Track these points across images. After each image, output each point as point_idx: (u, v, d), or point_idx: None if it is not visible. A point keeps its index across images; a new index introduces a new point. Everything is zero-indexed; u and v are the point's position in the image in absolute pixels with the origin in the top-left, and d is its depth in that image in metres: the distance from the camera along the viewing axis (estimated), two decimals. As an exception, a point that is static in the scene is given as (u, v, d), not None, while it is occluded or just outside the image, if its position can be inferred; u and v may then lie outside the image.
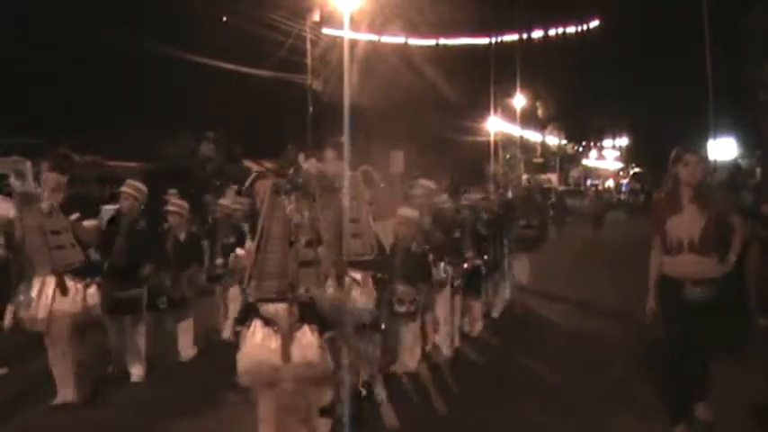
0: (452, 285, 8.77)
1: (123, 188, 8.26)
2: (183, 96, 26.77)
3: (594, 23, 48.88)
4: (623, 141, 79.65)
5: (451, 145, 41.11)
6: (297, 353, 5.07)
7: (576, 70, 51.35)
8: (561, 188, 40.53)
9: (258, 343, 5.11)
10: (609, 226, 29.65)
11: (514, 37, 46.08)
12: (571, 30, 48.29)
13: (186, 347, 8.96)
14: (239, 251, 5.71)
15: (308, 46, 29.33)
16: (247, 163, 27.10)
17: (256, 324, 5.16)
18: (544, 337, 10.26)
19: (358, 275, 6.13)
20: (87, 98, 26.07)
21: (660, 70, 48.33)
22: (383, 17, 32.73)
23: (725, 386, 6.44)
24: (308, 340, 5.12)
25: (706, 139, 30.61)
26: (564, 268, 16.34)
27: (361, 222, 5.83)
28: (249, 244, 5.36)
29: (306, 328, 5.14)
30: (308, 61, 29.38)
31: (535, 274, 13.70)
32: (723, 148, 32.68)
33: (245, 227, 5.95)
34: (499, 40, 44.82)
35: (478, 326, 10.15)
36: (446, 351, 8.67)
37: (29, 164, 15.35)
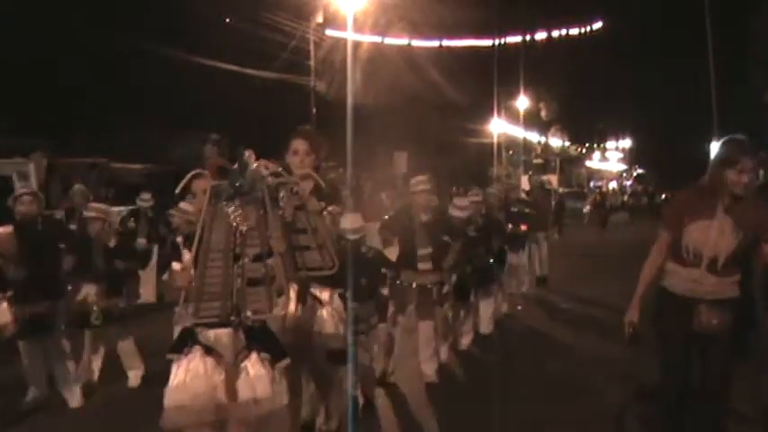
0: (436, 297, 7.85)
1: (87, 213, 7.66)
2: (187, 98, 26.79)
3: (598, 25, 48.88)
4: (626, 143, 79.56)
5: (455, 146, 41.13)
6: (244, 388, 4.26)
7: (579, 72, 51.34)
8: (561, 190, 40.43)
9: (197, 374, 4.26)
10: (612, 228, 29.62)
11: (518, 38, 46.05)
12: (574, 31, 48.28)
13: (132, 368, 7.83)
14: (175, 266, 4.58)
15: (312, 47, 29.36)
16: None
17: (195, 353, 4.32)
18: (538, 356, 9.30)
19: (324, 293, 5.34)
20: (90, 100, 26.09)
21: (664, 72, 48.29)
22: (386, 19, 32.72)
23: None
24: (257, 372, 4.30)
25: (709, 141, 30.54)
26: (563, 275, 15.98)
27: (318, 233, 4.83)
28: (187, 257, 4.42)
29: (255, 357, 4.33)
30: (312, 63, 29.41)
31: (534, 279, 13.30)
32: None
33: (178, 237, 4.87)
34: (502, 41, 44.79)
35: (467, 339, 9.38)
36: (432, 375, 7.75)
37: (32, 165, 15.33)
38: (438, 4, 32.58)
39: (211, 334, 4.33)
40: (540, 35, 47.04)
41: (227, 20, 28.17)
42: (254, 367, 4.31)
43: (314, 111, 28.54)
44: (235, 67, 27.08)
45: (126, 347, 7.78)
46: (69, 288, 7.40)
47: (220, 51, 26.15)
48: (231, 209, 4.32)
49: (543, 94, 55.83)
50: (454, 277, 8.49)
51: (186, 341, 4.38)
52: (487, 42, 43.90)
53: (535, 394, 7.43)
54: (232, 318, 4.29)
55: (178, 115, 26.19)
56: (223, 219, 4.33)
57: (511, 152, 47.61)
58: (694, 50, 30.84)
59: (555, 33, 47.47)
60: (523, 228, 12.38)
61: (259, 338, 4.38)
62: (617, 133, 78.04)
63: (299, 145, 5.22)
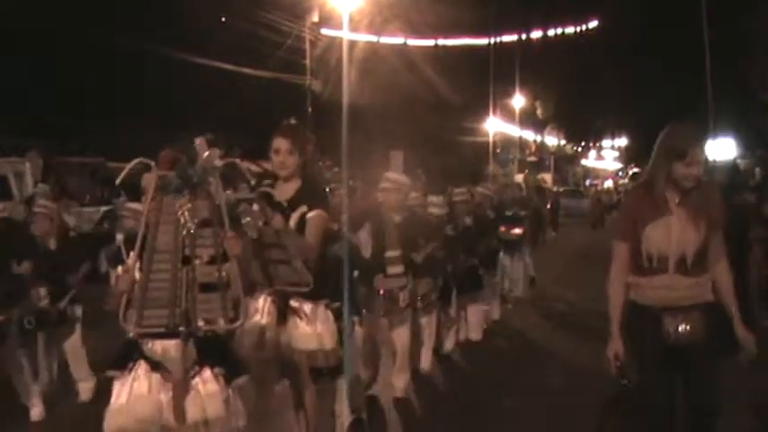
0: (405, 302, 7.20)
1: (36, 209, 7.13)
2: (182, 97, 26.77)
3: (594, 24, 48.90)
4: (622, 142, 79.65)
5: (451, 145, 41.09)
6: (193, 408, 3.80)
7: (575, 70, 51.39)
8: (556, 188, 40.45)
9: (141, 394, 3.80)
10: (607, 227, 29.63)
11: (513, 37, 46.07)
12: (570, 30, 48.28)
13: (81, 379, 7.14)
14: (119, 270, 4.00)
15: (307, 46, 29.35)
16: (246, 164, 27.11)
17: (139, 369, 3.86)
18: (526, 366, 8.73)
19: (306, 306, 4.75)
20: (86, 99, 26.06)
21: (660, 70, 48.31)
22: (382, 18, 32.72)
23: (725, 387, 6.10)
24: (209, 390, 3.85)
25: (705, 139, 30.56)
26: (559, 276, 15.64)
27: (294, 249, 4.50)
28: (131, 260, 3.91)
29: (207, 373, 3.88)
30: (307, 62, 29.40)
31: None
32: (722, 149, 32.66)
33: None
34: (498, 40, 44.80)
35: (450, 343, 8.90)
36: (401, 389, 7.17)
37: (28, 165, 15.27)
38: (434, 3, 32.58)
39: (158, 346, 3.86)
40: (536, 34, 47.06)
41: (223, 19, 28.14)
42: (205, 384, 3.86)
43: (309, 110, 28.53)
44: (230, 67, 27.06)
45: (72, 355, 7.10)
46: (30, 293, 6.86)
47: (216, 50, 26.13)
48: (179, 203, 3.82)
49: (539, 93, 55.93)
50: (440, 280, 8.00)
51: (130, 355, 3.92)
52: (483, 41, 43.93)
53: (521, 408, 7.02)
54: (180, 328, 3.80)
55: (173, 114, 26.16)
56: (170, 215, 3.84)
57: (498, 150, 47.50)
58: (690, 49, 30.87)
59: (551, 32, 47.50)
60: (518, 231, 12.09)
61: (213, 352, 3.93)
62: (613, 132, 78.15)
63: (279, 143, 4.78)
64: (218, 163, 3.89)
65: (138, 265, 3.89)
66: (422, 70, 35.13)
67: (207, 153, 3.86)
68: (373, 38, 34.70)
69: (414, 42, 38.76)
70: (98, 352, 6.69)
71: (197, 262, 3.84)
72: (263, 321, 4.61)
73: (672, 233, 4.17)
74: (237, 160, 4.12)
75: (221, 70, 26.67)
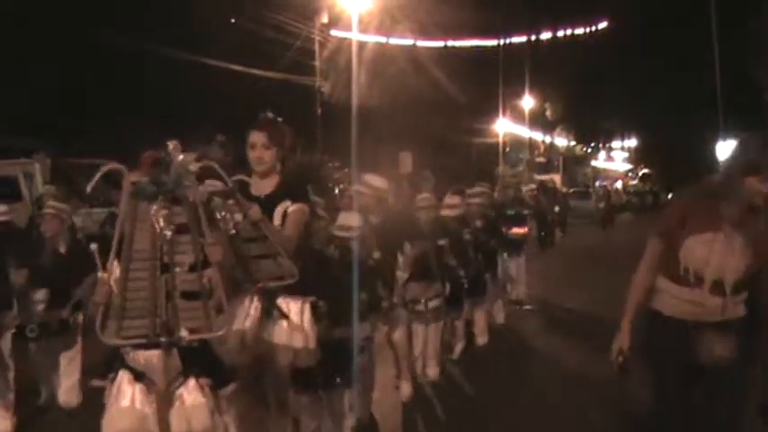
0: (418, 311, 7.17)
1: (45, 210, 6.92)
2: (191, 98, 26.84)
3: (603, 24, 48.86)
4: (632, 143, 79.52)
5: (460, 146, 41.13)
6: (178, 420, 3.68)
7: (584, 71, 51.30)
8: (564, 189, 40.32)
9: (123, 405, 3.67)
10: (617, 228, 29.53)
11: (523, 38, 46.09)
12: (579, 31, 48.27)
13: (67, 391, 6.68)
14: (102, 275, 3.75)
15: (317, 48, 29.39)
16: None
17: (123, 379, 3.74)
18: (533, 375, 8.33)
19: (293, 305, 4.54)
20: (90, 100, 26.16)
21: (669, 71, 48.20)
22: (391, 19, 32.75)
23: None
24: (194, 401, 3.72)
25: (715, 140, 30.53)
26: (567, 278, 15.30)
27: (273, 240, 4.29)
28: (109, 269, 3.73)
29: (192, 383, 3.75)
30: (317, 63, 29.45)
31: (534, 284, 12.65)
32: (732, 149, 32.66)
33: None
34: (507, 41, 44.82)
35: (459, 347, 8.71)
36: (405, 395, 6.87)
37: (37, 165, 15.31)
38: (443, 4, 32.61)
39: (140, 356, 3.72)
40: (545, 35, 47.05)
41: (233, 20, 28.21)
42: (190, 395, 3.73)
43: (319, 111, 28.58)
44: (239, 68, 27.12)
45: (66, 367, 6.71)
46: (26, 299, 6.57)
47: (225, 51, 26.19)
48: (154, 209, 3.66)
49: (548, 94, 55.84)
50: (448, 286, 7.68)
51: (113, 364, 3.79)
52: (493, 42, 43.96)
53: (526, 417, 6.73)
54: (162, 338, 3.64)
55: (181, 116, 26.25)
56: (146, 222, 3.68)
57: (508, 149, 47.47)
58: (700, 50, 30.82)
59: (560, 33, 47.49)
60: (521, 230, 11.81)
61: (197, 361, 3.78)
62: (622, 133, 78.02)
63: (255, 137, 4.58)
64: (194, 167, 3.72)
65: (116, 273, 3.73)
66: (431, 71, 35.16)
67: (181, 157, 3.70)
68: (382, 39, 34.74)
69: (423, 44, 38.81)
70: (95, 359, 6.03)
71: (177, 270, 3.69)
72: (249, 323, 4.40)
73: (712, 254, 3.80)
74: (214, 163, 3.92)
75: (230, 71, 26.74)
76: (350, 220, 5.67)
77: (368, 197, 6.61)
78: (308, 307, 4.57)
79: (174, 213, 3.67)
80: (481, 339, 9.35)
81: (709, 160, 33.10)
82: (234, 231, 4.20)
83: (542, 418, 6.69)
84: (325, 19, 29.02)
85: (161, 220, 3.65)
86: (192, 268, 3.71)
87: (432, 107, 35.43)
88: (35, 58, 24.16)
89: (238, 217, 4.29)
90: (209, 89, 26.69)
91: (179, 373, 3.74)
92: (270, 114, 4.71)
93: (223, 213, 4.17)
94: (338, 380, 5.11)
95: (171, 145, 3.71)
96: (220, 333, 3.77)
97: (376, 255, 6.15)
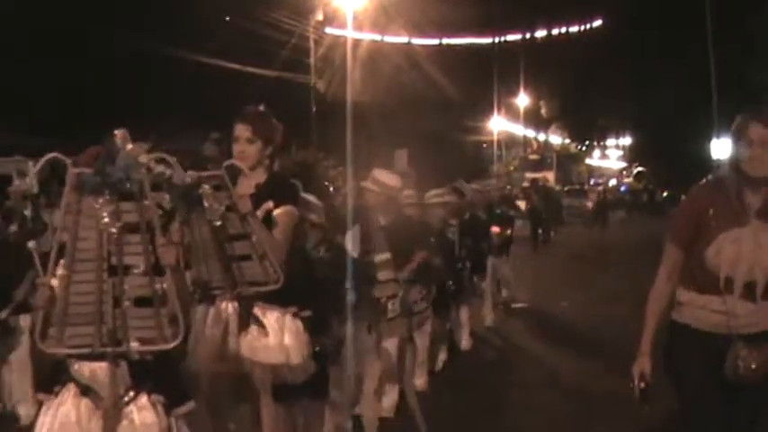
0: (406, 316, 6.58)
1: None
2: (185, 96, 26.80)
3: (598, 22, 48.91)
4: (627, 141, 79.59)
5: (455, 144, 41.11)
6: None
7: (579, 69, 51.33)
8: (558, 187, 40.30)
9: (67, 423, 3.31)
10: (611, 226, 29.58)
11: (518, 36, 46.11)
12: (575, 29, 48.30)
13: (21, 400, 6.21)
14: (43, 278, 3.35)
15: (312, 45, 29.37)
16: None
17: (67, 392, 3.36)
18: (522, 383, 7.94)
19: (271, 315, 4.11)
20: (88, 98, 26.10)
21: (664, 69, 48.22)
22: (386, 16, 32.70)
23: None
24: (144, 420, 3.36)
25: (710, 139, 30.61)
26: (559, 278, 14.98)
27: (254, 240, 3.91)
28: (49, 271, 3.31)
29: (144, 400, 3.36)
30: (312, 61, 29.42)
31: (526, 285, 12.43)
32: (727, 148, 32.81)
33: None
34: (502, 39, 44.83)
35: (442, 356, 8.23)
36: (389, 408, 6.48)
37: (31, 164, 15.28)
38: (438, 1, 32.59)
39: (85, 368, 3.34)
40: (541, 33, 47.08)
41: (227, 18, 28.16)
42: (141, 413, 3.36)
43: (314, 109, 28.55)
44: (234, 65, 27.07)
45: (16, 372, 6.21)
46: None
47: (220, 49, 26.14)
48: (99, 205, 3.27)
49: (543, 92, 55.89)
50: (434, 289, 7.25)
51: (58, 377, 3.41)
52: (488, 40, 43.96)
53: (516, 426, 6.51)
54: (108, 348, 3.27)
55: (176, 113, 26.20)
56: (91, 218, 3.29)
57: (500, 150, 47.48)
58: (695, 48, 30.85)
59: (555, 31, 47.51)
60: (508, 231, 11.57)
61: (150, 375, 3.40)
62: (617, 130, 78.07)
63: (239, 131, 4.24)
64: (144, 159, 3.32)
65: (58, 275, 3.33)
66: (426, 69, 35.15)
67: (129, 147, 3.32)
68: (377, 37, 34.71)
69: (418, 41, 38.77)
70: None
71: (135, 272, 3.31)
72: (222, 332, 4.08)
73: (742, 250, 3.33)
74: (168, 156, 3.47)
75: (225, 69, 26.69)
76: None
77: (377, 195, 6.14)
78: (288, 318, 4.16)
79: (123, 210, 3.27)
80: (465, 343, 9.06)
81: (703, 158, 33.20)
82: (219, 223, 3.83)
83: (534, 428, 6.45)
84: (320, 16, 28.99)
85: (106, 217, 3.25)
86: (146, 272, 3.33)
87: (427, 105, 35.43)
88: (35, 59, 24.12)
89: (222, 209, 3.89)
90: (203, 87, 26.65)
91: (129, 388, 3.37)
92: (258, 107, 4.41)
93: (211, 201, 3.79)
94: (315, 391, 4.65)
95: (118, 134, 3.35)
96: (173, 345, 3.37)
97: (383, 256, 5.89)
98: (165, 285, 3.31)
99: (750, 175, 3.32)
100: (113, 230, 3.24)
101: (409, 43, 38.21)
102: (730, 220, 3.34)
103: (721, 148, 30.55)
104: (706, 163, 30.65)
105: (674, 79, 43.32)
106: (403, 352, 6.42)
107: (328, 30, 29.93)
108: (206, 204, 3.75)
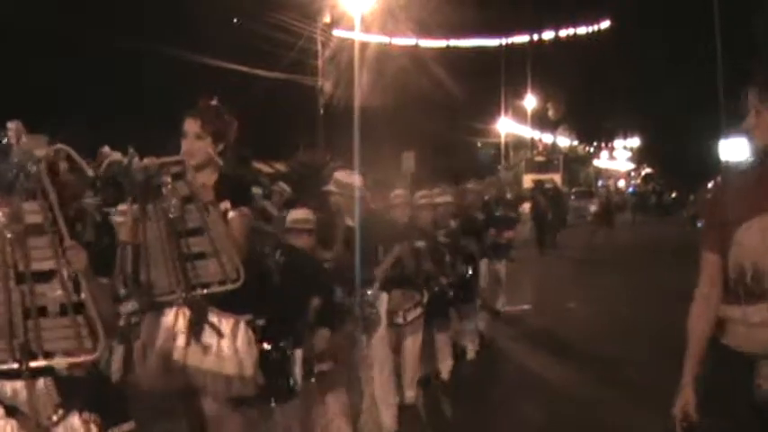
0: (397, 324, 6.40)
1: None
2: (192, 98, 26.86)
3: (606, 24, 48.83)
4: (635, 142, 79.43)
5: (462, 146, 41.12)
6: None
7: (587, 71, 51.30)
8: (566, 189, 40.19)
9: None
10: (618, 228, 29.50)
11: (525, 38, 46.06)
12: (582, 31, 48.22)
13: None
14: None
15: (319, 47, 29.39)
16: (257, 165, 27.20)
17: None
18: (524, 396, 7.59)
19: (226, 323, 3.79)
20: (89, 98, 26.16)
21: (671, 70, 48.17)
22: (393, 19, 32.71)
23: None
24: None
25: (718, 139, 30.55)
26: (562, 283, 14.73)
27: (213, 234, 3.59)
28: None
29: (75, 419, 3.05)
30: (319, 63, 29.45)
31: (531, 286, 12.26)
32: (735, 148, 32.66)
33: None
34: (510, 41, 44.79)
35: (447, 366, 7.88)
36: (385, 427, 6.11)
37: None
38: (445, 4, 32.56)
39: (8, 387, 3.04)
40: (548, 35, 47.02)
41: (235, 20, 28.21)
42: None
43: (321, 111, 28.58)
44: (241, 67, 27.12)
45: None
46: None
47: (227, 51, 26.19)
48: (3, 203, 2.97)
49: (551, 94, 55.83)
50: (424, 294, 6.91)
51: None
52: (495, 42, 43.92)
53: None
54: (22, 364, 2.96)
55: (182, 115, 26.28)
56: None
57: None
58: (702, 49, 30.81)
59: (562, 33, 47.45)
60: (509, 234, 11.22)
61: (80, 392, 3.10)
62: (625, 132, 77.93)
63: (187, 125, 3.98)
64: (41, 152, 3.00)
65: None
66: (433, 71, 35.14)
67: (24, 140, 2.99)
68: (385, 39, 34.72)
69: (425, 43, 38.76)
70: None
71: (52, 279, 2.99)
72: (170, 342, 3.77)
73: (764, 241, 2.77)
74: (69, 148, 3.15)
75: (232, 71, 26.73)
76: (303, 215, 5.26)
77: (339, 197, 5.94)
78: (242, 327, 3.85)
79: (21, 210, 2.96)
80: (470, 354, 8.81)
81: (711, 159, 33.11)
82: (177, 214, 3.57)
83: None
84: (327, 19, 29.02)
85: (2, 218, 2.95)
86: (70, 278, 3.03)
87: (434, 107, 35.42)
88: (35, 58, 24.18)
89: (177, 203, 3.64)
90: (211, 89, 26.68)
91: (57, 406, 3.06)
92: (210, 100, 4.18)
93: (169, 188, 3.56)
94: (273, 404, 4.39)
95: (11, 126, 3.00)
96: (95, 357, 3.08)
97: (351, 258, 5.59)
98: (81, 293, 3.00)
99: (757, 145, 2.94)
100: (9, 234, 2.93)
101: (416, 45, 38.22)
102: (748, 210, 2.82)
103: (729, 148, 30.49)
104: (714, 164, 30.57)
105: (682, 80, 43.28)
106: (392, 363, 6.23)
107: (335, 32, 29.95)
108: (164, 191, 3.55)
